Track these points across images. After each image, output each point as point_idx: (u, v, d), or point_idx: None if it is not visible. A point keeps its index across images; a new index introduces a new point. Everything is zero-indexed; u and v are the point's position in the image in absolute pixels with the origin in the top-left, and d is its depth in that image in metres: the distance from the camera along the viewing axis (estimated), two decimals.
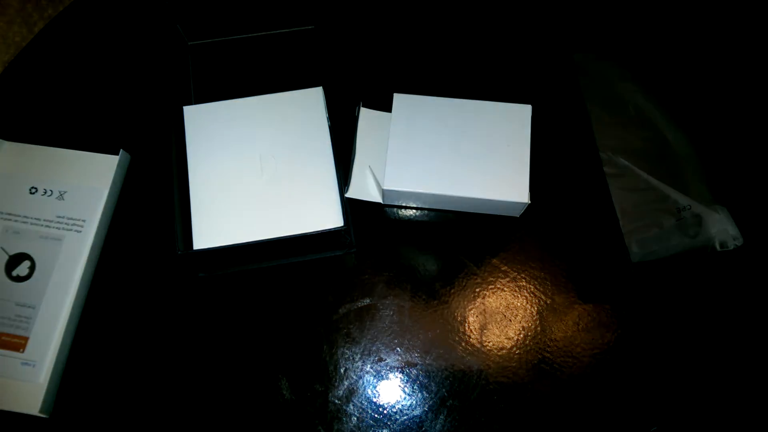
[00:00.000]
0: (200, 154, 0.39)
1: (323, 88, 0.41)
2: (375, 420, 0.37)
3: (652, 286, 0.40)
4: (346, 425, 0.37)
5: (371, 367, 0.38)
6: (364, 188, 0.39)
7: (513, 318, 0.39)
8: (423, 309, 0.39)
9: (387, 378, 0.38)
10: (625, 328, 0.39)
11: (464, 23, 0.47)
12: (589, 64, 0.45)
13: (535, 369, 0.38)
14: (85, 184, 0.40)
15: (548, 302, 0.39)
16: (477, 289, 0.40)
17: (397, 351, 0.38)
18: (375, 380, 0.38)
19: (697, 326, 0.39)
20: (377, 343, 0.38)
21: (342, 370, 0.38)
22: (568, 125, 0.44)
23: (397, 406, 0.37)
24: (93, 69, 0.45)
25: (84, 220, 0.39)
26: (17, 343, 0.37)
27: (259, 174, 0.38)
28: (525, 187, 0.37)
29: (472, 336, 0.38)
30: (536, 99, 0.40)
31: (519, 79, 0.45)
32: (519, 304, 0.39)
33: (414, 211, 0.42)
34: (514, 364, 0.38)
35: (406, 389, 0.38)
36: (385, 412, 0.37)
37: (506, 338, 0.38)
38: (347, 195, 0.39)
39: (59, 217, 0.39)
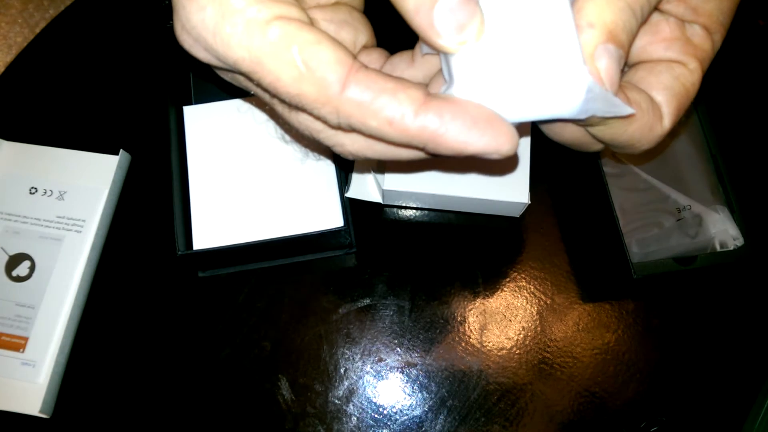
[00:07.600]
0: (200, 154, 0.39)
1: None
2: (375, 420, 0.37)
3: (652, 287, 0.40)
4: (346, 425, 0.37)
5: (371, 367, 0.38)
6: (364, 188, 0.39)
7: (513, 318, 0.39)
8: (423, 309, 0.39)
9: (387, 378, 0.38)
10: (625, 328, 0.39)
11: None
12: None
13: (535, 369, 0.38)
14: (85, 184, 0.40)
15: (548, 302, 0.39)
16: (477, 289, 0.40)
17: (397, 351, 0.38)
18: (375, 380, 0.38)
19: (696, 326, 0.39)
20: (377, 343, 0.38)
21: (342, 370, 0.38)
22: None
23: (397, 406, 0.37)
24: (93, 69, 0.45)
25: (84, 220, 0.39)
26: (17, 343, 0.37)
27: (259, 174, 0.38)
28: (525, 187, 0.37)
29: (472, 336, 0.38)
30: None
31: None
32: (519, 304, 0.39)
33: (414, 211, 0.42)
34: (514, 364, 0.38)
35: (406, 389, 0.38)
36: (385, 412, 0.37)
37: (506, 338, 0.38)
38: (347, 195, 0.39)
39: (59, 217, 0.39)
